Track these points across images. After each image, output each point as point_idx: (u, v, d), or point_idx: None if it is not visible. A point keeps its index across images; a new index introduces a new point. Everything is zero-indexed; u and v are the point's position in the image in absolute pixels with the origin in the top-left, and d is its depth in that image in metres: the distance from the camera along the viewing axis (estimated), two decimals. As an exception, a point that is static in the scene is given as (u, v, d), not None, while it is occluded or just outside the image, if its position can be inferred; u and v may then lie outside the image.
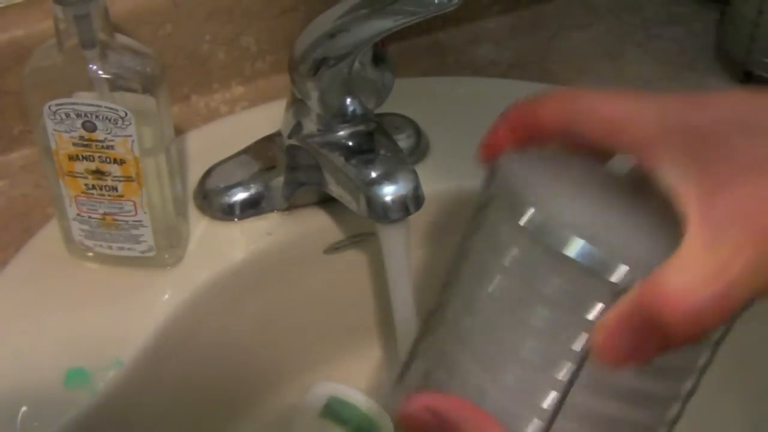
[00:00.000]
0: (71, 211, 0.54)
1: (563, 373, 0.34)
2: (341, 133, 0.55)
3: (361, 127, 0.55)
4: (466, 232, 0.38)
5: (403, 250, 0.55)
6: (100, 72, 0.50)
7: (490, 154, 0.39)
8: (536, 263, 0.34)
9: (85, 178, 0.52)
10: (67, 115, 0.50)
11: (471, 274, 0.37)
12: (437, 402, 0.35)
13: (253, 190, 0.60)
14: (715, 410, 0.60)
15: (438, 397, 0.36)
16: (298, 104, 0.56)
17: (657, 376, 0.35)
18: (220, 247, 0.58)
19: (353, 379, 0.66)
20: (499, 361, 0.35)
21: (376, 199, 0.52)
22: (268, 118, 0.62)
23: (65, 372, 0.51)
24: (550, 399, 0.34)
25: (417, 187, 0.53)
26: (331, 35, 0.51)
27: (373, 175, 0.53)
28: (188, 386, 0.59)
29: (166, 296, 0.56)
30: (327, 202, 0.60)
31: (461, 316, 0.36)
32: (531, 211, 0.34)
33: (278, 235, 0.60)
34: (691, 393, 0.36)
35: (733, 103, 0.35)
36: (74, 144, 0.51)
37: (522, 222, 0.34)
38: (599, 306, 0.33)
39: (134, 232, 0.54)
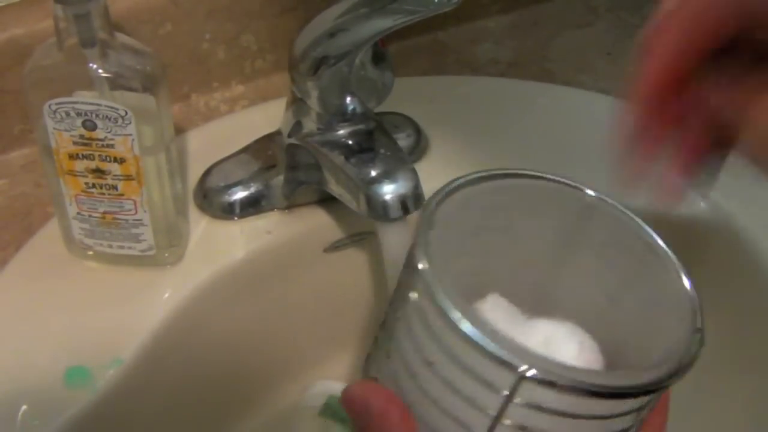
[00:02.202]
0: (71, 209, 0.54)
1: None
2: (341, 132, 0.55)
3: (361, 126, 0.55)
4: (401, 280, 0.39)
5: (403, 249, 0.55)
6: (100, 71, 0.50)
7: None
8: (451, 342, 0.35)
9: (85, 176, 0.52)
10: (67, 114, 0.50)
11: (403, 332, 0.38)
12: (372, 391, 0.37)
13: (253, 189, 0.60)
14: (715, 408, 0.61)
15: (376, 388, 0.37)
16: (298, 103, 0.56)
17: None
18: (220, 246, 0.58)
19: (352, 378, 0.66)
20: (428, 414, 0.36)
21: (376, 198, 0.52)
22: (267, 117, 0.62)
23: (65, 370, 0.51)
24: None
25: (417, 186, 0.53)
26: (331, 34, 0.51)
27: (373, 174, 0.53)
28: (188, 384, 0.59)
29: (166, 295, 0.56)
30: (327, 201, 0.60)
31: (396, 361, 0.38)
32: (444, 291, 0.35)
33: (278, 234, 0.60)
34: None
35: None
36: (74, 143, 0.51)
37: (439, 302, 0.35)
38: (505, 390, 0.34)
39: (134, 230, 0.54)
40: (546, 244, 0.42)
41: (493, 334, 0.34)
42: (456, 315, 0.34)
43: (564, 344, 0.39)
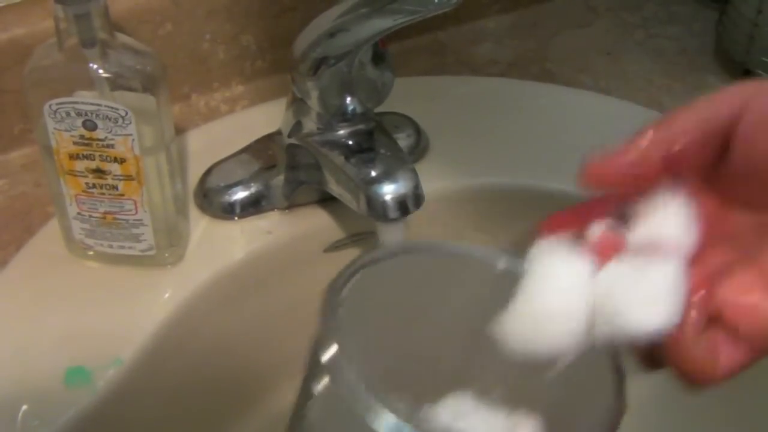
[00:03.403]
0: (72, 209, 0.54)
1: None
2: (341, 132, 0.55)
3: (361, 126, 0.55)
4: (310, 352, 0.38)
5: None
6: (101, 71, 0.50)
7: (594, 180, 0.37)
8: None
9: (86, 176, 0.52)
10: (68, 114, 0.50)
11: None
12: None
13: (253, 189, 0.60)
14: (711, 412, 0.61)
15: None
16: (298, 103, 0.56)
17: None
18: (221, 246, 0.58)
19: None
20: None
21: (376, 198, 0.52)
22: (268, 117, 0.62)
23: (65, 370, 0.51)
24: None
25: (417, 186, 0.53)
26: (331, 34, 0.51)
27: (373, 174, 0.53)
28: (188, 385, 0.59)
29: (167, 295, 0.56)
30: (327, 201, 0.60)
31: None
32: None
33: (278, 234, 0.60)
34: None
35: None
36: (75, 143, 0.51)
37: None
38: None
39: (135, 230, 0.54)
40: (462, 318, 0.39)
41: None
42: (369, 412, 0.32)
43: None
